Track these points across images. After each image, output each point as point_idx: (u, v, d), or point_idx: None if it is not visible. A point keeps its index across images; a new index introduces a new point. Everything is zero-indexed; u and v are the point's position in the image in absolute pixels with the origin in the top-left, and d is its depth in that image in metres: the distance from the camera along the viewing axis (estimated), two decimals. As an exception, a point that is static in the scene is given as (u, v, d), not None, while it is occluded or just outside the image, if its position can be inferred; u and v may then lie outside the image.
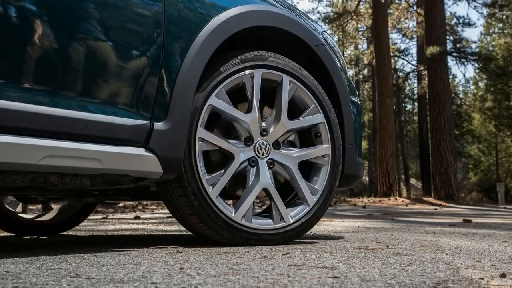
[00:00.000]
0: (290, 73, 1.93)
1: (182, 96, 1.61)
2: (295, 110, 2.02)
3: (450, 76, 26.70)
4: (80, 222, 3.01)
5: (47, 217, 2.89)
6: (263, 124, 1.88)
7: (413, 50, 34.70)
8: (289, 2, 2.27)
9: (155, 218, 4.75)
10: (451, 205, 11.61)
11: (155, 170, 1.55)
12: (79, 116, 1.40)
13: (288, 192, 2.06)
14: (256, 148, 1.85)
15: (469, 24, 22.74)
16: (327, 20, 20.83)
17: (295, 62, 2.01)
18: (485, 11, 20.29)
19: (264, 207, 6.57)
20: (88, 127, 1.41)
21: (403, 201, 12.04)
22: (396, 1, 23.16)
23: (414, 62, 25.90)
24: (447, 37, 17.22)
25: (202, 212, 1.68)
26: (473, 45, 25.48)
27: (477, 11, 19.81)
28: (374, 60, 16.50)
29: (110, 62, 1.48)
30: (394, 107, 24.31)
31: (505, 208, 10.95)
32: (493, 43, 28.36)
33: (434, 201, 12.96)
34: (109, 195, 2.22)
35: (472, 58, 18.21)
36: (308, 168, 2.03)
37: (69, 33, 1.41)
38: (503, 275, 1.13)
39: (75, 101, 1.42)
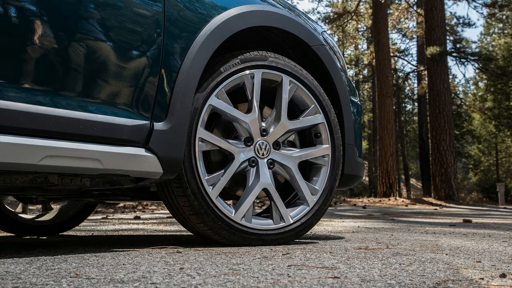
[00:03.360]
0: (290, 73, 1.93)
1: (182, 96, 1.61)
2: (295, 110, 2.02)
3: (450, 76, 26.77)
4: (80, 222, 3.01)
5: (47, 217, 2.89)
6: (263, 124, 1.88)
7: (413, 50, 34.79)
8: (289, 2, 2.27)
9: (155, 218, 4.75)
10: (451, 205, 11.61)
11: (155, 170, 1.55)
12: (79, 116, 1.40)
13: (288, 192, 2.06)
14: (256, 148, 1.85)
15: (469, 24, 22.75)
16: (327, 20, 20.84)
17: (295, 62, 2.01)
18: (485, 11, 20.31)
19: (264, 207, 6.57)
20: (88, 127, 1.41)
21: (403, 201, 12.04)
22: (396, 1, 23.18)
23: (414, 62, 25.91)
24: (447, 37, 17.22)
25: (202, 212, 1.68)
26: (473, 45, 25.52)
27: (477, 11, 19.80)
28: (374, 60, 16.50)
29: (110, 62, 1.48)
30: (394, 107, 24.34)
31: (505, 208, 10.95)
32: (493, 43, 28.36)
33: (434, 201, 12.96)
34: (109, 195, 2.22)
35: (472, 58, 18.20)
36: (308, 168, 2.03)
37: (69, 33, 1.41)
38: (503, 275, 1.13)
39: (75, 101, 1.42)
